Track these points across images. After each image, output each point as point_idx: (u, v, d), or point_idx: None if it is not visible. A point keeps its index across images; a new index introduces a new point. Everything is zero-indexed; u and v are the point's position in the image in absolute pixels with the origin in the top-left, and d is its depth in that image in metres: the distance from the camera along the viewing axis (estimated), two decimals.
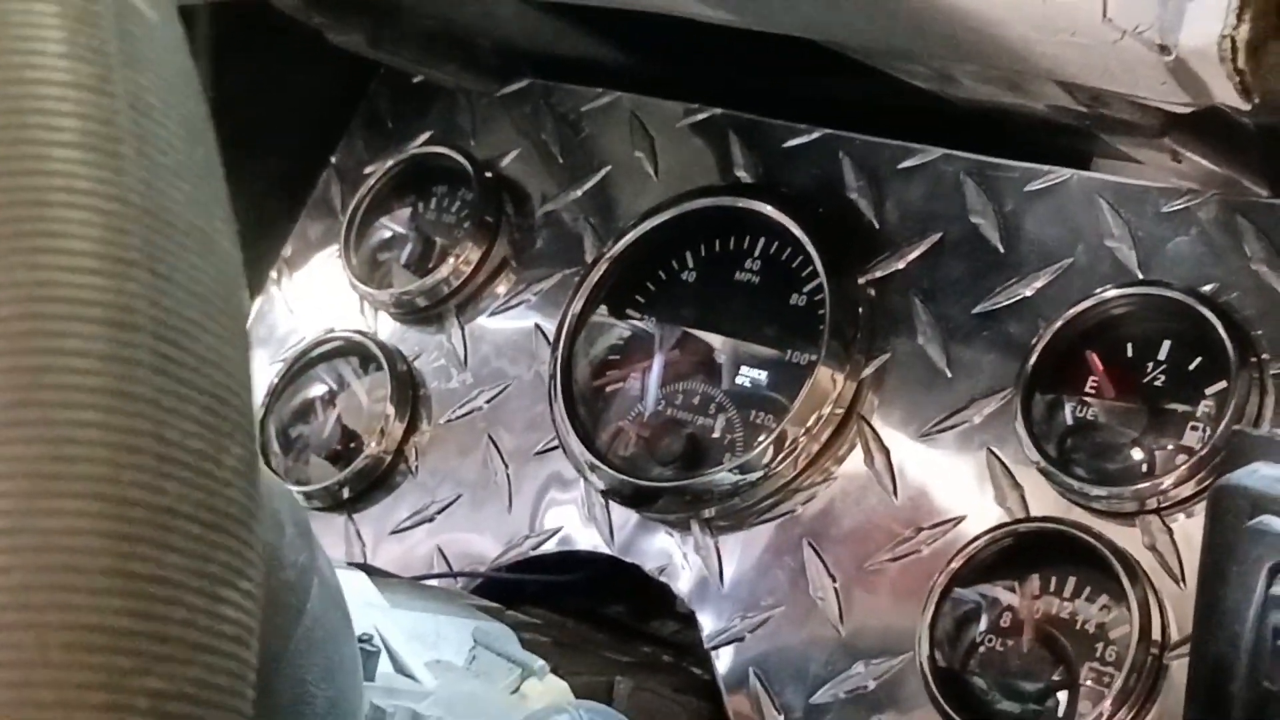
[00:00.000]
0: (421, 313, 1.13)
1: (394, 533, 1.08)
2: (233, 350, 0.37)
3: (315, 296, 1.20)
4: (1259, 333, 0.83)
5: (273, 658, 0.53)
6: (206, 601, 0.35)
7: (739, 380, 1.00)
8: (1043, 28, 0.67)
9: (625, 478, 0.98)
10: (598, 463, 0.99)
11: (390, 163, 1.17)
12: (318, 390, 1.15)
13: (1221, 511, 0.62)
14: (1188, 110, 0.70)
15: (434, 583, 1.01)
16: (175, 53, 0.40)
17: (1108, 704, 0.79)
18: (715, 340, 1.01)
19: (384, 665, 0.72)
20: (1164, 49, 0.63)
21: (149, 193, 0.36)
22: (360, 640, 0.70)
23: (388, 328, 1.15)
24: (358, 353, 1.14)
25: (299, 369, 1.15)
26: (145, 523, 0.34)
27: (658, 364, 1.03)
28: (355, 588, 0.75)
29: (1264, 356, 0.83)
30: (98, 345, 0.34)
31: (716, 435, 0.99)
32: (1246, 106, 0.65)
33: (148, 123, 0.37)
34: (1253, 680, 0.60)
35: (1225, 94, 0.65)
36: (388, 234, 1.17)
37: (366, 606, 0.74)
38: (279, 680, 0.54)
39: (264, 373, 1.18)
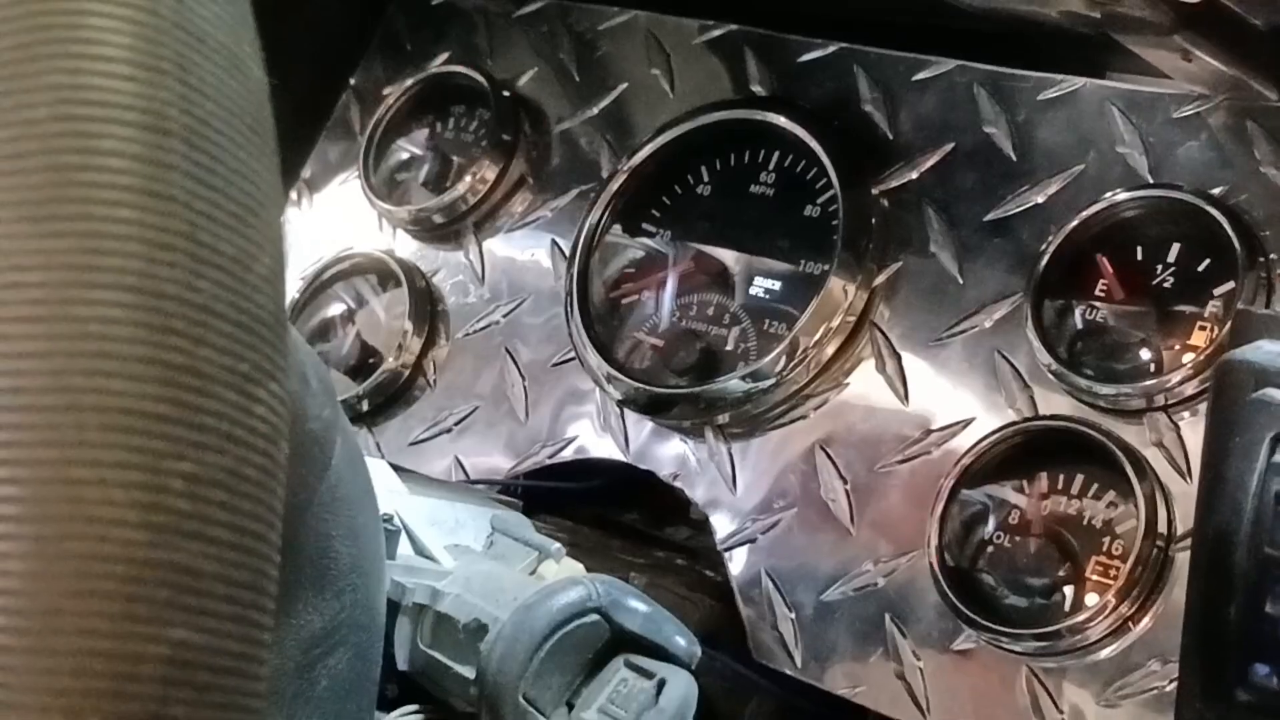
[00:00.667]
0: (439, 230, 1.14)
1: (412, 444, 1.10)
2: (261, 167, 0.38)
3: (335, 216, 1.21)
4: (1266, 234, 0.84)
5: (299, 508, 0.54)
6: (239, 397, 0.36)
7: (753, 291, 1.01)
8: None
9: (641, 386, 0.99)
10: (614, 372, 1.00)
11: (408, 83, 1.19)
12: (337, 308, 1.16)
13: (1226, 386, 0.63)
14: (1197, 3, 0.71)
15: None
16: None
17: (1112, 595, 0.80)
18: (729, 253, 1.03)
19: (404, 547, 0.74)
20: None
21: (180, 7, 0.37)
22: (382, 519, 0.72)
23: (406, 246, 1.16)
24: (376, 270, 1.15)
25: (319, 287, 1.17)
26: (179, 317, 0.35)
27: (673, 277, 1.04)
28: (378, 473, 0.76)
29: (1271, 257, 0.84)
30: (132, 147, 0.35)
31: (730, 345, 1.00)
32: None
33: None
34: (1255, 546, 0.61)
35: None
36: (406, 154, 1.18)
37: (388, 492, 0.76)
38: (304, 531, 0.55)
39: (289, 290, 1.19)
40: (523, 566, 0.74)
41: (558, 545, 0.75)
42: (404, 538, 0.74)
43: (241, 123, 0.38)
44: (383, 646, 0.62)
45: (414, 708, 0.70)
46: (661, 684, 0.65)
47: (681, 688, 0.65)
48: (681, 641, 0.67)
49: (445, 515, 0.77)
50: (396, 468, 0.86)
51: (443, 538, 0.76)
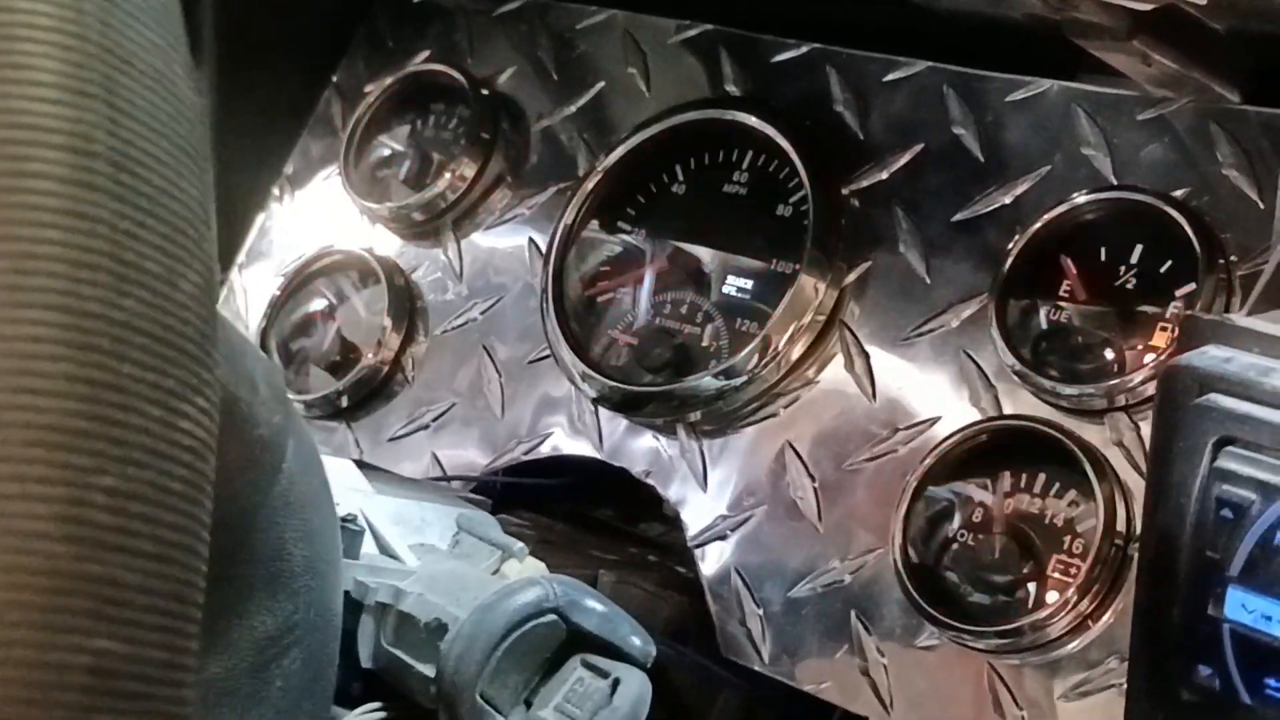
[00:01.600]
0: (418, 227, 1.15)
1: (391, 440, 1.11)
2: (190, 185, 0.39)
3: (316, 212, 1.22)
4: (1227, 235, 0.85)
5: (250, 511, 0.56)
6: (163, 412, 0.37)
7: (726, 290, 1.02)
8: None
9: (615, 384, 1.00)
10: (589, 370, 1.01)
11: (389, 81, 1.20)
12: (318, 304, 1.17)
13: (1171, 391, 0.64)
14: (1149, 8, 0.72)
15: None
16: None
17: (1073, 593, 0.81)
18: (704, 251, 1.04)
19: (369, 546, 0.75)
20: None
21: (107, 32, 0.38)
22: (345, 520, 0.73)
23: (386, 242, 1.17)
24: (357, 267, 1.16)
25: (300, 283, 1.18)
26: (103, 334, 0.36)
27: (648, 274, 1.05)
28: (342, 473, 0.78)
29: (1232, 259, 0.84)
30: (58, 169, 0.36)
31: (704, 343, 1.01)
32: (1204, 2, 0.67)
33: None
34: (1197, 549, 0.62)
35: None
36: (387, 151, 1.19)
37: (352, 491, 0.77)
38: (256, 535, 0.56)
39: (266, 287, 1.20)
40: (486, 565, 0.75)
41: (520, 545, 0.76)
42: (368, 537, 0.75)
43: (170, 143, 0.39)
44: (339, 646, 0.63)
45: (376, 706, 0.71)
46: (616, 683, 0.66)
47: (635, 687, 0.66)
48: (637, 641, 0.68)
49: (411, 514, 0.78)
50: (366, 466, 0.87)
51: (408, 537, 0.77)
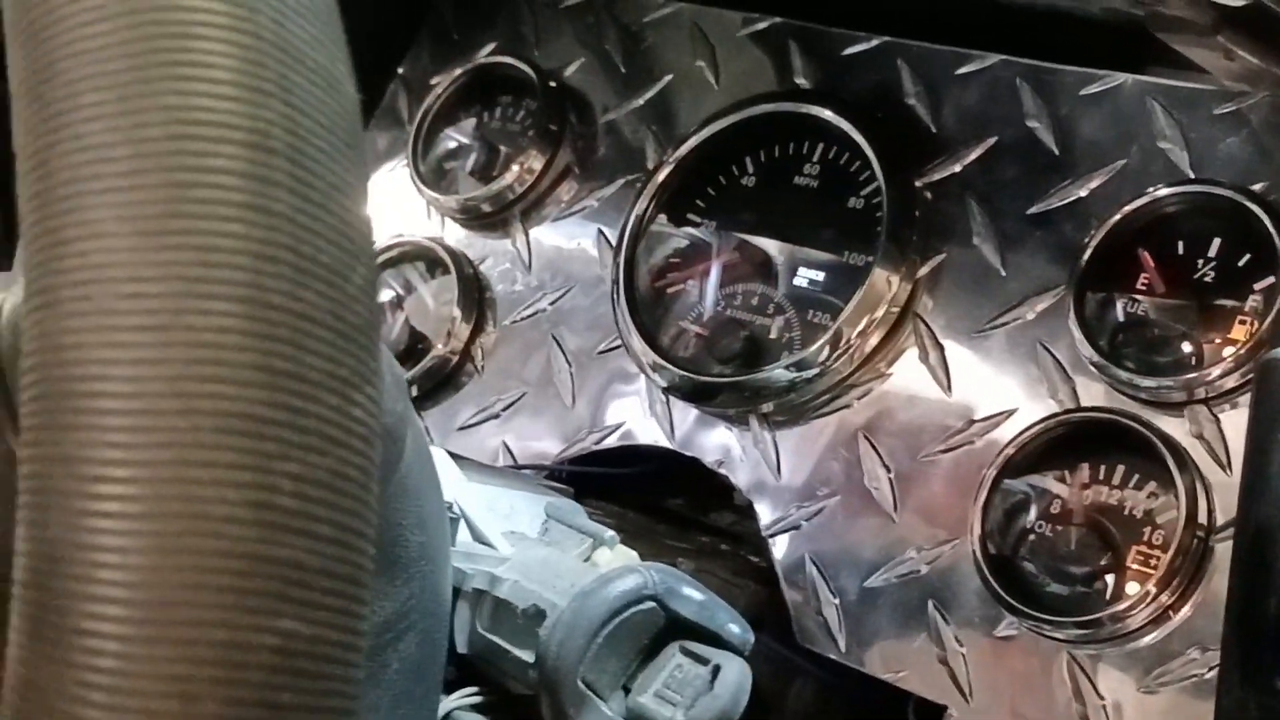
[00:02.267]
0: (487, 219, 1.16)
1: (461, 429, 1.12)
2: (355, 180, 0.40)
3: (383, 204, 1.23)
4: None
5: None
6: (339, 400, 0.38)
7: (797, 281, 1.02)
8: None
9: (686, 374, 1.01)
10: (660, 360, 1.02)
11: (456, 73, 1.20)
12: (386, 294, 1.18)
13: (1267, 384, 0.65)
14: (1240, 4, 0.72)
15: None
16: None
17: (1153, 585, 0.82)
18: (774, 243, 1.04)
19: (463, 534, 0.76)
20: None
21: (280, 30, 0.39)
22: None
23: (454, 234, 1.18)
24: (425, 257, 1.17)
25: None
26: (285, 325, 0.37)
27: (717, 266, 1.06)
28: (438, 461, 0.78)
29: None
30: (239, 164, 0.37)
31: (774, 335, 1.02)
32: None
33: None
34: None
35: None
36: (454, 143, 1.20)
37: (448, 480, 0.77)
38: (378, 520, 0.57)
39: None
40: (578, 553, 0.76)
41: (611, 533, 0.77)
42: (463, 524, 0.76)
43: (338, 139, 0.40)
44: (448, 631, 0.64)
45: (473, 690, 0.72)
46: (716, 670, 0.67)
47: (736, 674, 0.67)
48: (735, 629, 0.69)
49: (501, 502, 0.79)
50: (452, 455, 0.88)
51: (500, 523, 0.78)
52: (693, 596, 0.69)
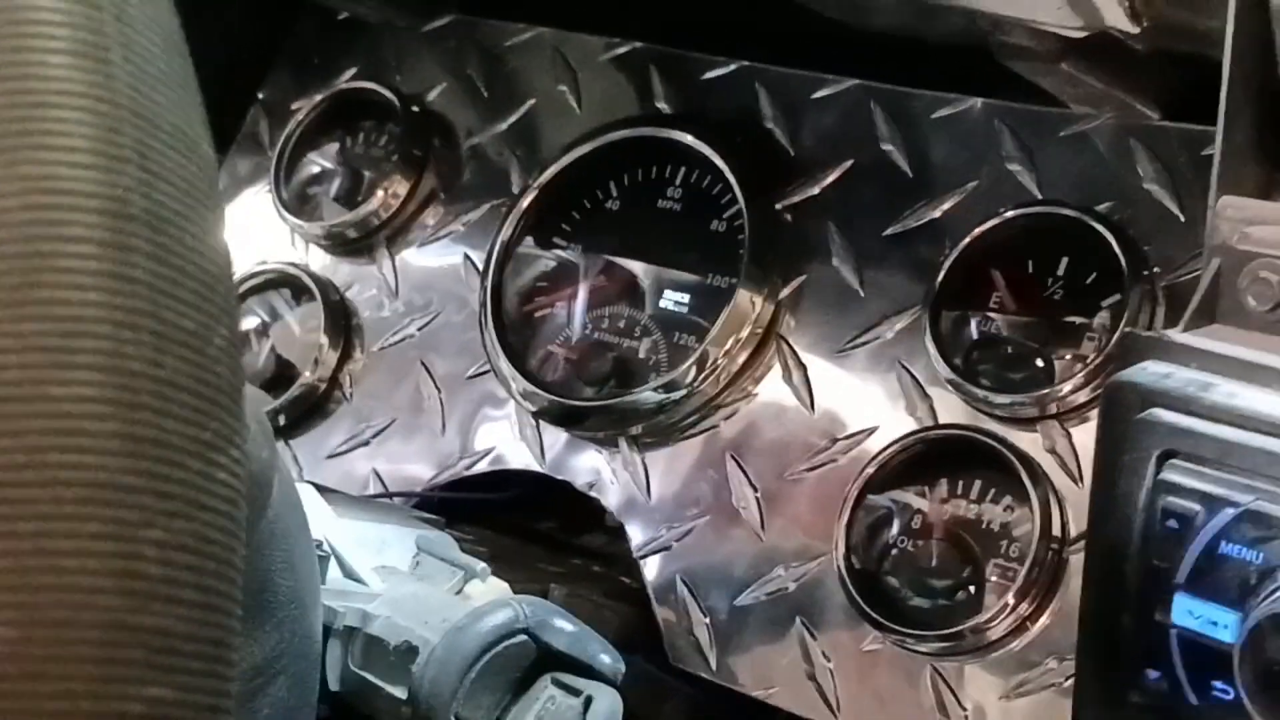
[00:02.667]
0: (352, 244, 1.16)
1: (330, 457, 1.12)
2: (216, 241, 0.41)
3: (246, 231, 1.22)
4: (1149, 248, 0.89)
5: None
6: (202, 464, 0.38)
7: (663, 304, 1.04)
8: None
9: (555, 398, 1.02)
10: (529, 385, 1.03)
11: (317, 98, 1.20)
12: (251, 322, 1.17)
13: (1114, 406, 0.67)
14: (1081, 35, 0.75)
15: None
16: None
17: (1011, 596, 0.85)
18: (639, 266, 1.06)
19: (334, 571, 0.76)
20: None
21: (137, 96, 0.39)
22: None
23: (319, 260, 1.18)
24: (290, 284, 1.16)
25: None
26: (147, 392, 0.37)
27: (584, 290, 1.07)
28: (305, 498, 0.78)
29: (1155, 270, 0.88)
30: (97, 233, 0.37)
31: (642, 357, 1.03)
32: (1136, 30, 0.70)
33: (132, 33, 0.40)
34: (1144, 558, 0.65)
35: (1115, 18, 0.70)
36: (317, 168, 1.20)
37: (316, 516, 0.77)
38: (246, 568, 0.57)
39: None
40: (449, 586, 0.76)
41: (483, 565, 0.77)
42: (333, 561, 0.76)
43: (196, 200, 0.40)
44: (320, 673, 0.64)
45: None
46: (588, 701, 0.68)
47: (607, 704, 0.68)
48: (606, 659, 0.70)
49: (371, 537, 0.79)
50: (319, 488, 0.88)
51: (371, 559, 0.78)
52: (564, 628, 0.70)
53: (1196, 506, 0.63)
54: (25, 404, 0.36)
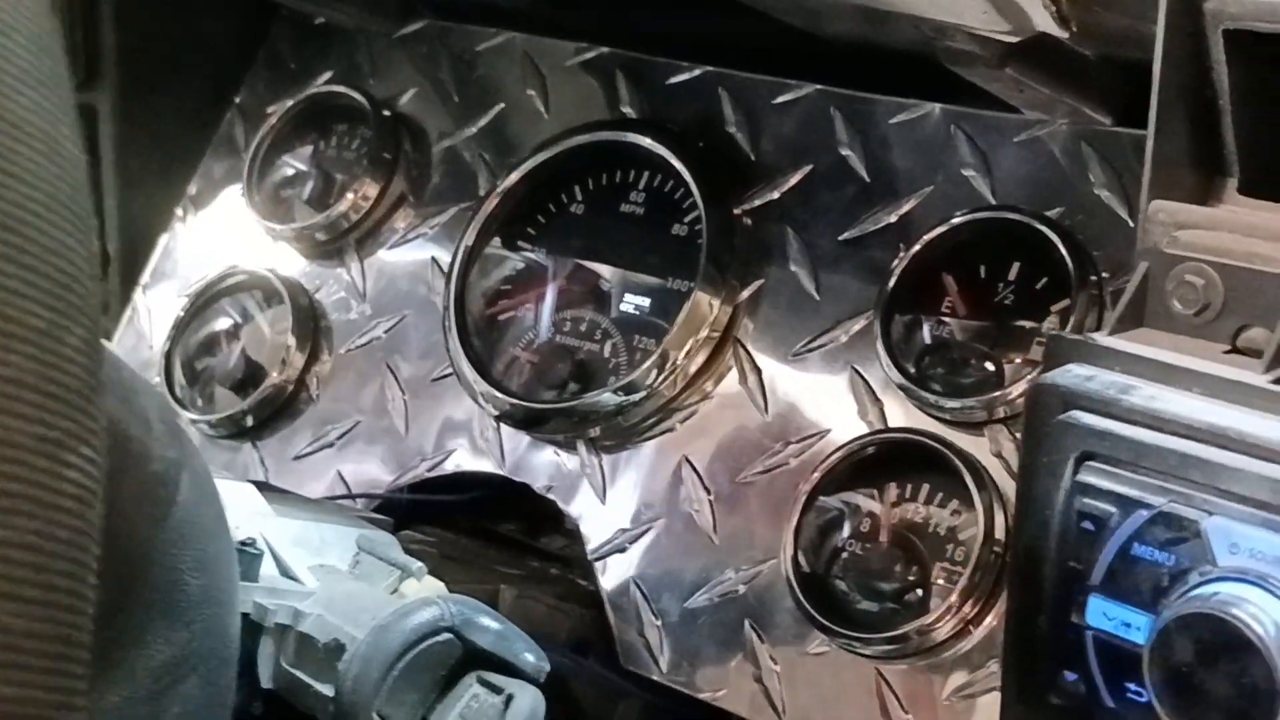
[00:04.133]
0: (322, 247, 1.17)
1: (296, 458, 1.12)
2: (76, 243, 0.41)
3: (220, 233, 1.23)
4: (1099, 253, 0.89)
5: (146, 545, 0.57)
6: (49, 463, 0.39)
7: (624, 307, 1.04)
8: None
9: (517, 401, 1.02)
10: (490, 389, 1.03)
11: (290, 102, 1.21)
12: (223, 323, 1.19)
13: (1036, 408, 0.67)
14: (1017, 40, 0.75)
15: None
16: None
17: (955, 598, 0.85)
18: (603, 269, 1.06)
19: (269, 568, 0.77)
20: None
21: None
22: (244, 544, 0.75)
23: (290, 262, 1.18)
24: (261, 286, 1.17)
25: (204, 303, 1.19)
26: None
27: (548, 293, 1.07)
28: (242, 497, 0.79)
29: (1103, 275, 0.88)
30: None
31: (603, 360, 1.03)
32: (1065, 34, 0.70)
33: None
34: (1061, 560, 0.65)
35: (1044, 22, 0.70)
36: (290, 171, 1.21)
37: (252, 514, 0.78)
38: (153, 567, 0.58)
39: (170, 307, 1.21)
40: (385, 585, 0.77)
41: (419, 564, 0.78)
42: (268, 559, 0.76)
43: (56, 202, 0.41)
44: (236, 671, 0.64)
45: None
46: (510, 699, 0.68)
47: (528, 702, 0.68)
48: (530, 658, 0.70)
49: (311, 536, 0.80)
50: (268, 487, 0.89)
51: (308, 558, 0.78)
52: (489, 626, 0.70)
53: (1112, 509, 0.63)
54: None
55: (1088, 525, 0.64)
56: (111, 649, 0.57)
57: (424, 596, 0.72)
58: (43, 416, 0.39)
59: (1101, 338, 0.70)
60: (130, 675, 0.58)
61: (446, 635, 0.69)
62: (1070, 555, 0.65)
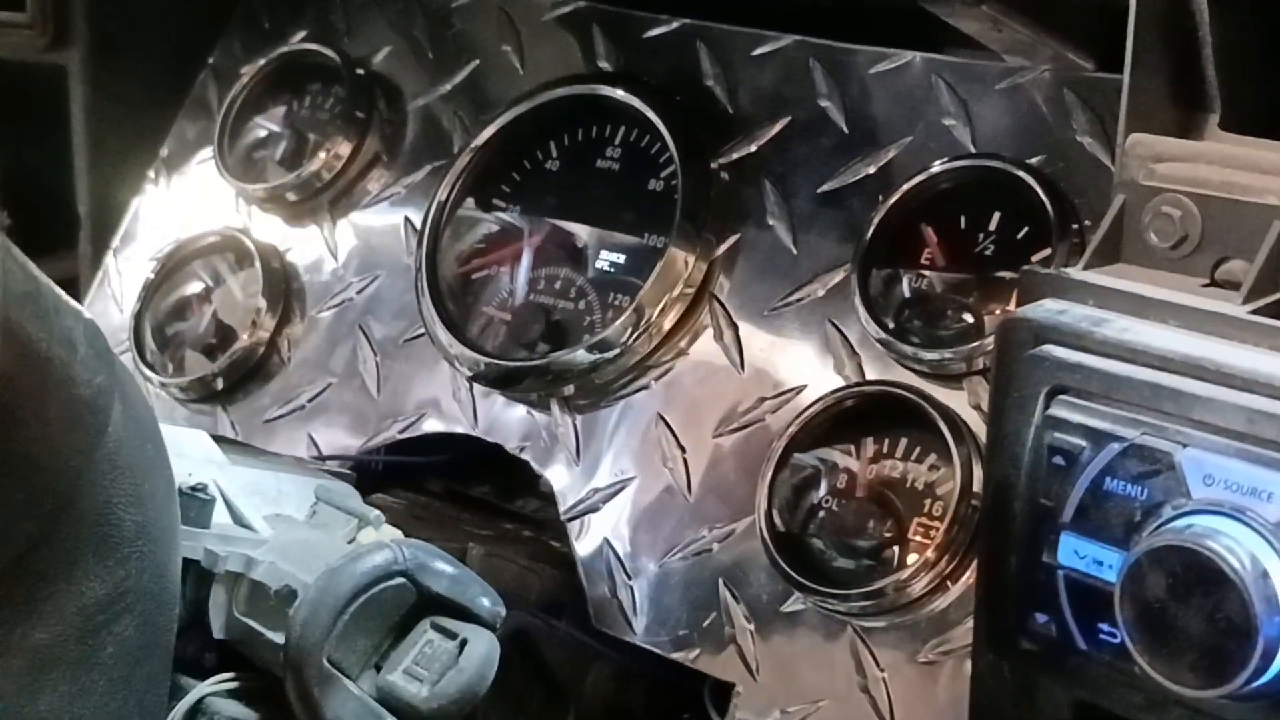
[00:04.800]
0: (295, 207, 1.15)
1: (267, 422, 1.10)
2: None
3: (192, 195, 1.21)
4: (1081, 200, 0.86)
5: (74, 474, 0.55)
6: None
7: (599, 264, 1.02)
8: None
9: (490, 360, 1.00)
10: (463, 349, 1.01)
11: (262, 61, 1.19)
12: (194, 287, 1.17)
13: (1007, 343, 0.65)
14: None
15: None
16: None
17: (931, 553, 0.82)
18: (578, 227, 1.04)
19: (222, 516, 0.74)
20: None
21: None
22: (195, 489, 0.73)
23: (263, 224, 1.16)
24: (233, 249, 1.15)
25: (175, 266, 1.17)
26: None
27: (524, 252, 1.05)
28: (194, 443, 0.77)
29: (1085, 223, 0.86)
30: None
31: (579, 317, 1.01)
32: None
33: None
34: (1031, 497, 0.63)
35: None
36: (263, 132, 1.19)
37: (205, 462, 0.76)
38: (82, 498, 0.55)
39: (141, 270, 1.19)
40: (342, 534, 0.75)
41: (378, 513, 0.75)
42: (221, 506, 0.74)
43: None
44: (177, 613, 0.62)
45: (229, 676, 0.71)
46: (464, 644, 0.66)
47: (483, 647, 0.66)
48: (486, 602, 0.68)
49: (268, 485, 0.78)
50: (229, 441, 0.87)
51: (264, 507, 0.76)
52: (444, 570, 0.68)
53: (1083, 442, 0.61)
54: None
55: (1058, 460, 0.62)
56: (39, 584, 0.55)
57: (375, 542, 0.70)
58: None
59: (1075, 272, 0.68)
60: (60, 613, 0.56)
61: (400, 580, 0.67)
62: (1041, 492, 0.62)
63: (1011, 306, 0.85)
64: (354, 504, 0.77)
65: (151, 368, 1.14)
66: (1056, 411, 0.62)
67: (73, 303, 0.55)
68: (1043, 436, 0.62)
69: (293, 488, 0.79)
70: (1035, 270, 0.68)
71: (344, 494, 0.79)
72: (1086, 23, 0.86)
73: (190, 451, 0.75)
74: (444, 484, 1.08)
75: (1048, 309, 0.65)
